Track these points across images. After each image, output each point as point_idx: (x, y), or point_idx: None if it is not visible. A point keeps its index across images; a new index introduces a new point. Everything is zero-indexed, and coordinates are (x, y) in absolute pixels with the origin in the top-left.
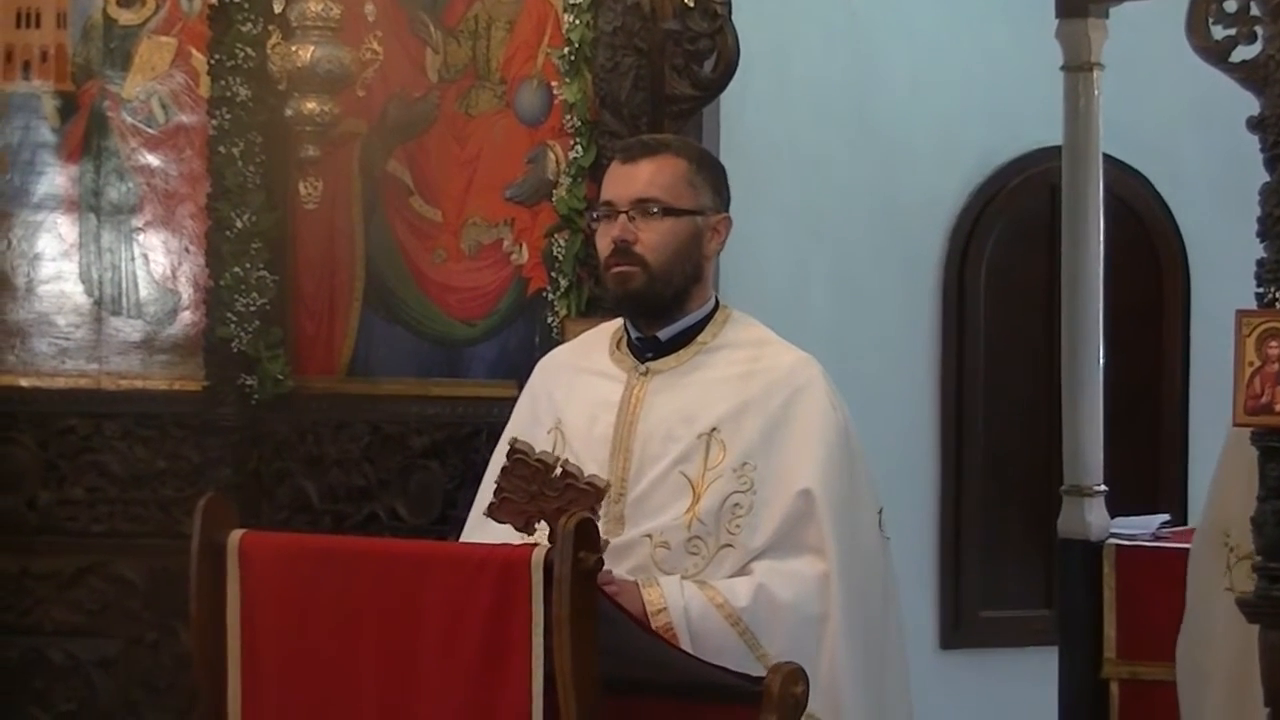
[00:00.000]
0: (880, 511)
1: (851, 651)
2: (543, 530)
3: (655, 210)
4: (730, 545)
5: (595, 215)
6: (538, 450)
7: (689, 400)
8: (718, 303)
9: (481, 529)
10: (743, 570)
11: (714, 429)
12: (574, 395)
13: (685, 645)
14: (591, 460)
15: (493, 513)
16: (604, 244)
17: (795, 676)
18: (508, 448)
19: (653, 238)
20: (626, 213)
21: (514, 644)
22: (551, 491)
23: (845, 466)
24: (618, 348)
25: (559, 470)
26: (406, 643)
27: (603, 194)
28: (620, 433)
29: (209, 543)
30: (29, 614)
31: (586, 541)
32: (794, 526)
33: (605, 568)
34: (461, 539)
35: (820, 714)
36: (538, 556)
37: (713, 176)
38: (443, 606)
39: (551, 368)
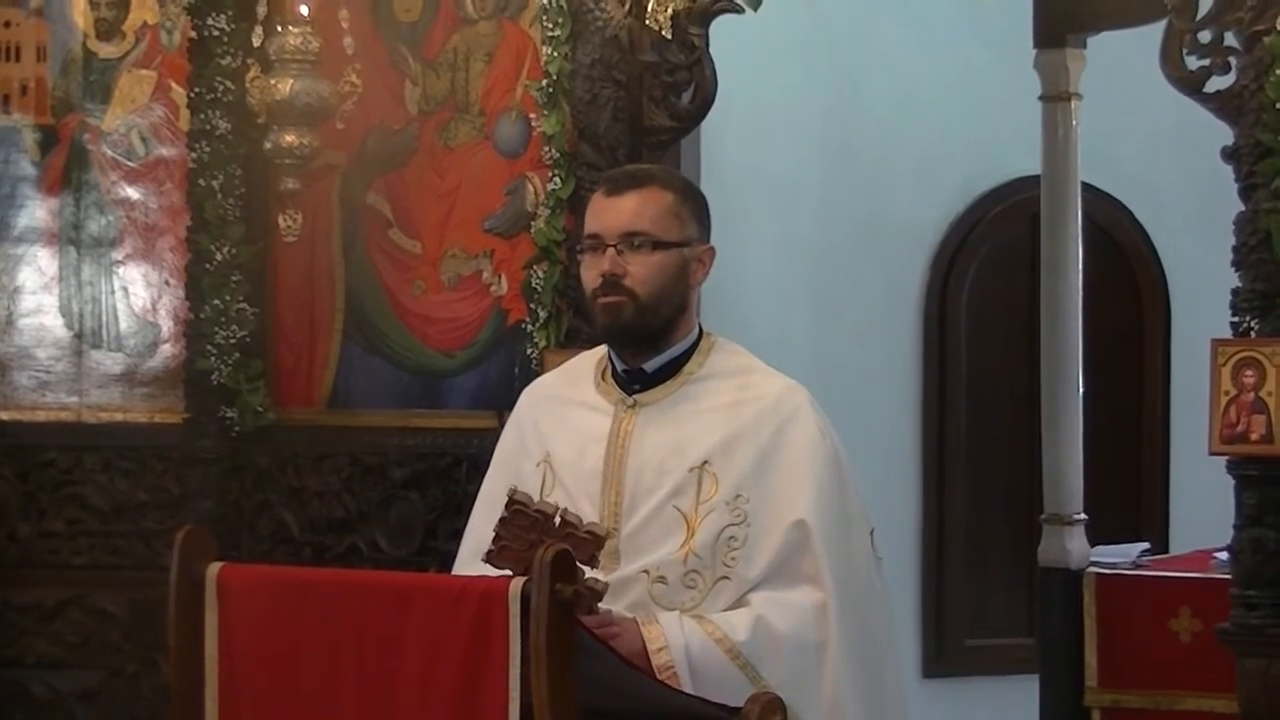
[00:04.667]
0: (872, 532)
1: (852, 676)
2: None
3: (643, 244)
4: (727, 577)
5: (581, 248)
6: (536, 500)
7: (679, 433)
8: (701, 331)
9: (471, 568)
10: (740, 601)
11: (705, 462)
12: (561, 427)
13: (686, 681)
14: (582, 494)
15: (491, 559)
16: (591, 276)
17: (773, 706)
18: (507, 498)
19: (641, 271)
20: (614, 246)
21: (492, 674)
22: (551, 540)
23: (837, 494)
24: (603, 379)
25: (559, 519)
26: (386, 674)
27: (588, 226)
28: (610, 466)
29: (187, 575)
30: (10, 647)
31: (564, 573)
32: (789, 557)
33: (604, 606)
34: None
35: None
36: (515, 588)
37: (696, 207)
38: (422, 638)
39: (538, 398)
